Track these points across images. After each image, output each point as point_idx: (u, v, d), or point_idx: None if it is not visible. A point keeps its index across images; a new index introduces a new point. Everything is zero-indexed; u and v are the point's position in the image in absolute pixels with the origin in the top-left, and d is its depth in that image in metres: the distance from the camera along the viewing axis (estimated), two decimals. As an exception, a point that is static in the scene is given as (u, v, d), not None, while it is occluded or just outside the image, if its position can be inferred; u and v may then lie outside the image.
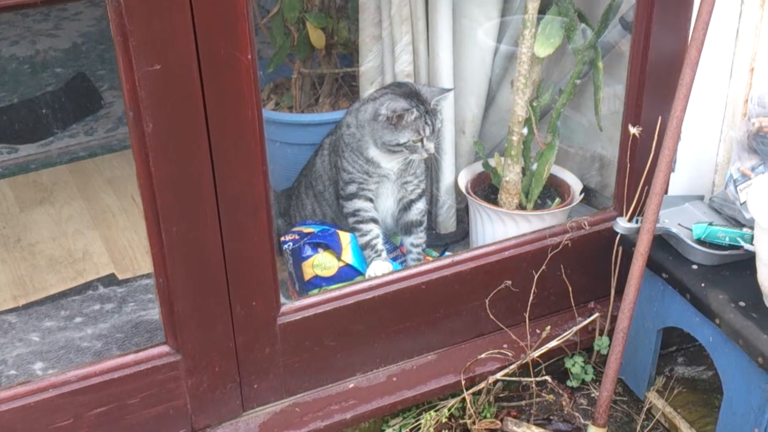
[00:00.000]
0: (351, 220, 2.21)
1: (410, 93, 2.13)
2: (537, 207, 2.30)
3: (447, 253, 2.31)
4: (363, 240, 2.18)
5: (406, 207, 2.25)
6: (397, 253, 2.30)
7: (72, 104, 3.31)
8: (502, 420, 2.00)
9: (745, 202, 1.85)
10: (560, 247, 2.03)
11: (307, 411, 1.92)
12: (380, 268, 2.13)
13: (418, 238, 2.28)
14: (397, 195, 2.24)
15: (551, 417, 2.05)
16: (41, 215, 2.69)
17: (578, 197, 2.30)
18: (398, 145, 2.10)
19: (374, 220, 2.21)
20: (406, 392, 1.98)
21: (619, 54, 2.25)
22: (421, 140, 2.10)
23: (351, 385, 1.98)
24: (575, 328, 2.05)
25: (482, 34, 2.34)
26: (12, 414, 1.67)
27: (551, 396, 2.07)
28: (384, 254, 2.19)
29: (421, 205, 2.26)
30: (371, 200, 2.21)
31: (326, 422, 1.90)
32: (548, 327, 2.03)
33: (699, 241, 1.89)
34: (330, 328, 1.91)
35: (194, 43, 1.51)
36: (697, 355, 2.16)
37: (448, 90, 2.24)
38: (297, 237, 2.21)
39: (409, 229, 2.27)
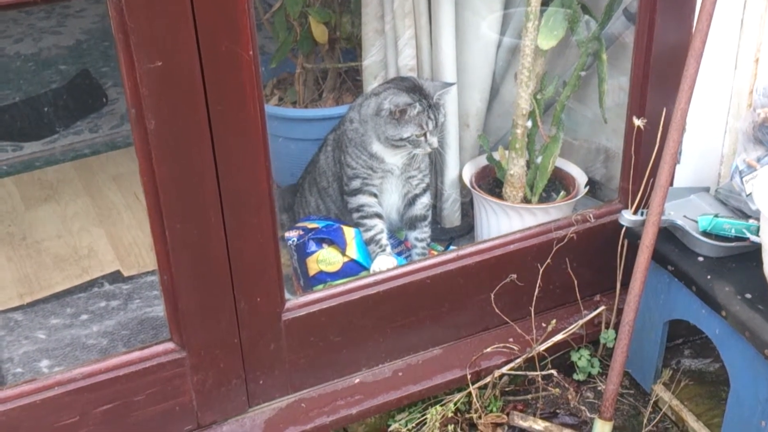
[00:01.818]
0: (355, 215, 2.20)
1: (413, 87, 2.12)
2: (542, 200, 2.29)
3: (452, 247, 2.31)
4: (367, 235, 2.18)
5: (411, 202, 2.25)
6: (401, 248, 2.29)
7: (76, 101, 3.31)
8: (508, 414, 2.00)
9: (751, 194, 1.84)
10: (565, 240, 2.02)
11: (313, 406, 1.92)
12: (384, 263, 2.13)
13: (423, 232, 2.27)
14: (401, 190, 2.24)
15: (557, 410, 2.04)
16: (46, 213, 2.69)
17: (583, 190, 2.29)
18: (401, 139, 2.10)
19: (378, 215, 2.20)
20: (411, 387, 1.97)
21: (623, 45, 2.24)
22: (425, 134, 2.10)
23: (356, 381, 1.98)
24: (581, 322, 2.05)
25: (485, 27, 2.33)
26: (18, 412, 1.68)
27: (557, 390, 2.06)
28: (388, 249, 2.18)
29: (425, 200, 2.26)
30: (375, 195, 2.21)
31: (332, 417, 1.91)
32: (554, 320, 2.02)
33: (705, 233, 1.88)
34: (335, 323, 1.90)
35: (195, 40, 1.51)
36: (704, 347, 2.16)
37: (451, 84, 2.23)
38: (301, 232, 2.21)
39: (413, 223, 2.27)
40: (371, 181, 2.19)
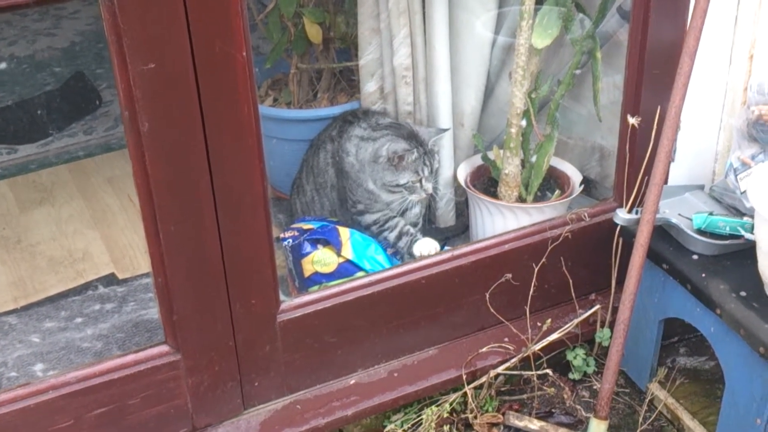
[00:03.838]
0: (374, 228, 2.26)
1: (409, 134, 2.19)
2: (537, 199, 2.29)
3: (447, 248, 2.31)
4: (393, 234, 2.24)
5: (403, 213, 2.29)
6: (394, 249, 2.29)
7: (70, 103, 3.30)
8: (503, 414, 2.00)
9: (745, 191, 1.84)
10: (560, 239, 2.02)
11: (309, 408, 1.92)
12: (427, 245, 2.17)
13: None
14: (399, 207, 2.28)
15: (553, 410, 2.04)
16: (41, 215, 2.69)
17: (578, 189, 2.29)
18: (398, 185, 2.17)
19: (393, 216, 2.26)
20: (407, 387, 1.97)
21: (618, 43, 2.24)
22: (420, 181, 2.17)
23: (352, 382, 1.98)
24: (576, 321, 2.05)
25: (480, 26, 2.33)
26: (12, 416, 1.67)
27: (553, 389, 2.06)
28: (419, 234, 2.23)
29: (417, 210, 2.30)
30: (380, 210, 2.25)
31: (327, 419, 1.90)
32: (549, 320, 2.02)
33: (699, 231, 1.88)
34: (330, 324, 1.90)
35: (189, 41, 1.50)
36: (699, 345, 2.16)
37: (445, 130, 2.29)
38: (296, 233, 2.20)
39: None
40: (373, 207, 2.24)
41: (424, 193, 2.20)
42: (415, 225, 2.30)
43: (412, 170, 2.15)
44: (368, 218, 2.25)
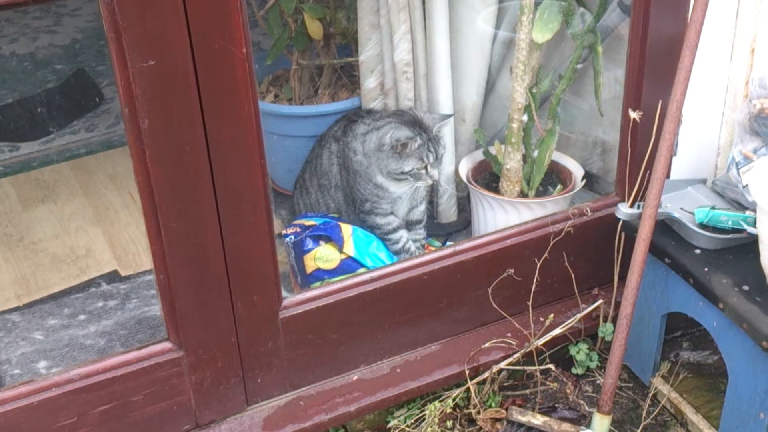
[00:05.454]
0: (377, 232, 2.25)
1: (413, 121, 2.17)
2: (539, 194, 2.29)
3: (449, 243, 2.31)
4: (395, 247, 2.24)
5: (409, 210, 2.29)
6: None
7: (72, 101, 3.30)
8: (507, 409, 1.99)
9: (747, 185, 1.83)
10: (562, 234, 2.02)
11: (312, 404, 1.92)
12: None
13: (418, 234, 2.32)
14: (405, 205, 2.29)
15: (556, 405, 2.04)
16: (43, 213, 2.69)
17: (580, 183, 2.29)
18: (403, 173, 2.15)
19: (396, 228, 2.26)
20: (410, 383, 1.97)
21: (619, 38, 2.24)
22: (425, 167, 2.15)
23: (355, 378, 1.98)
24: (579, 316, 2.04)
25: (480, 21, 2.32)
26: (16, 413, 1.67)
27: (556, 384, 2.06)
28: (417, 253, 2.23)
29: (422, 207, 2.30)
30: (386, 214, 2.25)
31: (331, 415, 1.90)
32: (552, 315, 2.02)
33: (702, 225, 1.87)
34: (333, 320, 1.90)
35: (188, 38, 1.50)
36: (702, 339, 2.16)
37: (449, 116, 2.28)
38: (298, 230, 2.20)
39: (409, 226, 2.30)
40: (380, 206, 2.24)
41: (431, 179, 2.18)
42: (419, 222, 2.30)
43: (417, 157, 2.13)
44: (374, 221, 2.25)
